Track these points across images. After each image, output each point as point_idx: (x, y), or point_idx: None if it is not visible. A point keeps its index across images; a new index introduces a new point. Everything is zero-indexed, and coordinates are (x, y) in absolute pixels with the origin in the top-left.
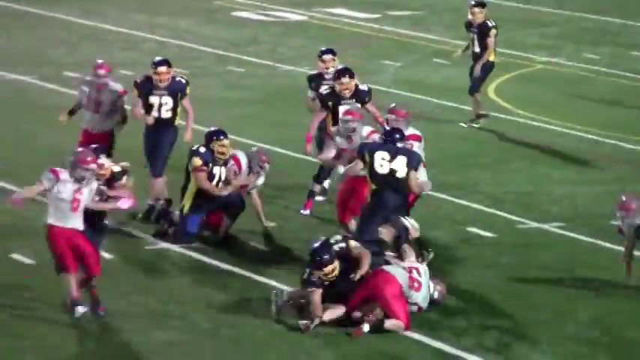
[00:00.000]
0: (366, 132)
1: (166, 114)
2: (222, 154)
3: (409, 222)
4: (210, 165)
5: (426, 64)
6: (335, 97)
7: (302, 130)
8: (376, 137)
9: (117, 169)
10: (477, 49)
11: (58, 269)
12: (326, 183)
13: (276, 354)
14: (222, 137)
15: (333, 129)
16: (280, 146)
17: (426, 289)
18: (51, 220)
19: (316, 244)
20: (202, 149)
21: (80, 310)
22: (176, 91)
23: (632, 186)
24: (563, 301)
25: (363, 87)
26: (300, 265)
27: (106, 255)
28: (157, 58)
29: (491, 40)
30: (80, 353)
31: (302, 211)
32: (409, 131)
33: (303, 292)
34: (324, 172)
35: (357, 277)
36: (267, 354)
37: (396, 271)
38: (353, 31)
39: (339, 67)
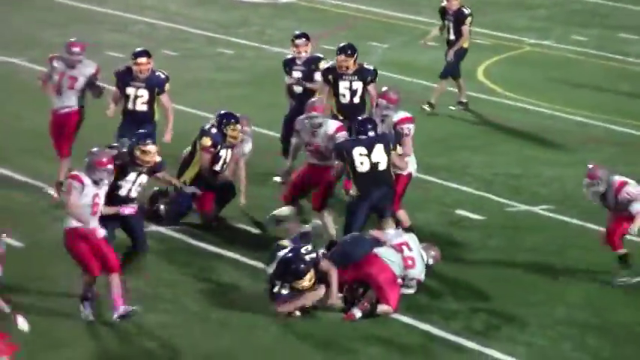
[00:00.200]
0: (333, 128)
1: (141, 107)
2: (234, 138)
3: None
4: (219, 147)
5: (414, 46)
6: (335, 73)
7: None
8: (345, 134)
9: (159, 159)
10: (452, 37)
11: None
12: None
13: (266, 336)
14: (235, 122)
15: (297, 121)
16: (269, 128)
17: (420, 262)
18: (72, 225)
19: (288, 255)
20: (214, 130)
21: (87, 313)
22: (153, 85)
23: (621, 168)
24: (553, 283)
25: (369, 66)
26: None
27: None
28: (137, 49)
29: (466, 28)
30: (69, 337)
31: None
32: (399, 115)
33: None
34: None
35: (329, 302)
36: (256, 336)
37: (390, 255)
38: (341, 13)
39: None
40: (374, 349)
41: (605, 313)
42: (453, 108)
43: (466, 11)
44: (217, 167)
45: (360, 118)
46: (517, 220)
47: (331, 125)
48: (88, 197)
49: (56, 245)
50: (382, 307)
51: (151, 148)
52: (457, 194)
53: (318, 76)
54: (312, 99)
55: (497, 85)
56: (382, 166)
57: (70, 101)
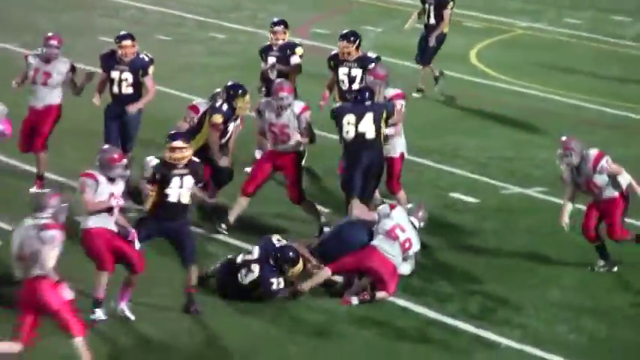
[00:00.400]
0: (299, 108)
1: (127, 89)
2: (243, 109)
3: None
4: (228, 122)
5: (409, 29)
6: (337, 59)
7: None
8: (308, 114)
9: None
10: (432, 21)
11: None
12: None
13: (260, 319)
14: (244, 93)
15: (262, 102)
16: None
17: (415, 236)
18: (89, 224)
19: (277, 245)
20: (225, 106)
21: (99, 314)
22: (137, 67)
23: (614, 150)
24: (547, 266)
25: (371, 54)
26: (276, 229)
27: None
28: (122, 32)
29: (447, 13)
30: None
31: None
32: (390, 92)
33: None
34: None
35: (300, 287)
36: (250, 319)
37: (388, 248)
38: None
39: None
40: (369, 332)
41: (600, 296)
42: (437, 90)
43: None
44: (223, 140)
45: (359, 86)
46: (511, 203)
47: (297, 105)
48: (104, 195)
49: None
50: (380, 294)
51: (178, 143)
52: (451, 177)
53: (294, 59)
54: (279, 80)
55: (490, 68)
56: (369, 135)
57: (45, 98)
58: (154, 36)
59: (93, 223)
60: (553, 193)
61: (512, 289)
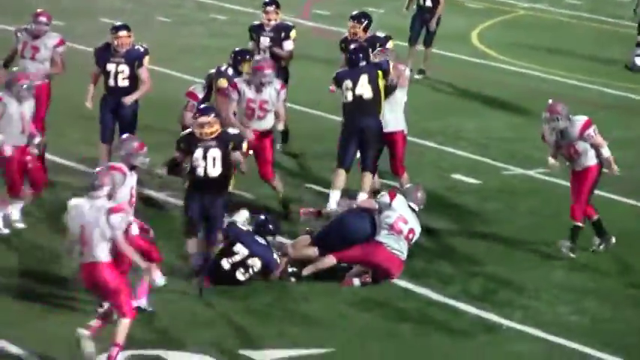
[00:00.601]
0: (278, 85)
1: (123, 82)
2: (250, 74)
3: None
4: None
5: (409, 11)
6: (347, 42)
7: None
8: (283, 93)
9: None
10: (429, 3)
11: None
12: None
13: (264, 300)
14: (250, 57)
15: (238, 80)
16: None
17: (416, 223)
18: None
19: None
20: (230, 70)
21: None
22: (133, 58)
23: (615, 131)
24: (549, 247)
25: (380, 34)
26: (265, 209)
27: None
28: (117, 23)
29: None
30: (60, 304)
31: None
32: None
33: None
34: None
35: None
36: (253, 301)
37: (394, 244)
38: None
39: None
40: (370, 313)
41: (602, 277)
42: (418, 77)
43: None
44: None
45: (351, 47)
46: (513, 184)
47: (276, 82)
48: (127, 188)
49: (55, 218)
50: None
51: (204, 119)
52: (452, 158)
53: (288, 45)
54: (258, 57)
55: (491, 49)
56: (367, 96)
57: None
58: (155, 17)
59: None
60: (554, 175)
61: (513, 271)
